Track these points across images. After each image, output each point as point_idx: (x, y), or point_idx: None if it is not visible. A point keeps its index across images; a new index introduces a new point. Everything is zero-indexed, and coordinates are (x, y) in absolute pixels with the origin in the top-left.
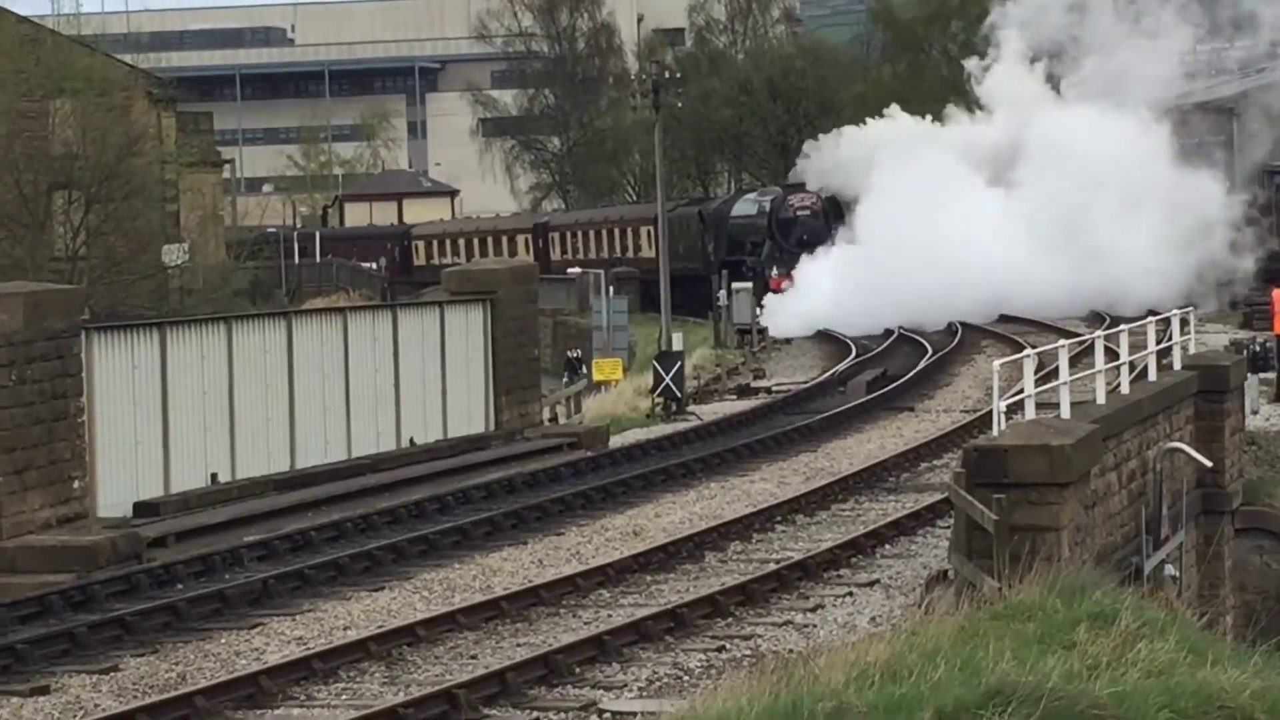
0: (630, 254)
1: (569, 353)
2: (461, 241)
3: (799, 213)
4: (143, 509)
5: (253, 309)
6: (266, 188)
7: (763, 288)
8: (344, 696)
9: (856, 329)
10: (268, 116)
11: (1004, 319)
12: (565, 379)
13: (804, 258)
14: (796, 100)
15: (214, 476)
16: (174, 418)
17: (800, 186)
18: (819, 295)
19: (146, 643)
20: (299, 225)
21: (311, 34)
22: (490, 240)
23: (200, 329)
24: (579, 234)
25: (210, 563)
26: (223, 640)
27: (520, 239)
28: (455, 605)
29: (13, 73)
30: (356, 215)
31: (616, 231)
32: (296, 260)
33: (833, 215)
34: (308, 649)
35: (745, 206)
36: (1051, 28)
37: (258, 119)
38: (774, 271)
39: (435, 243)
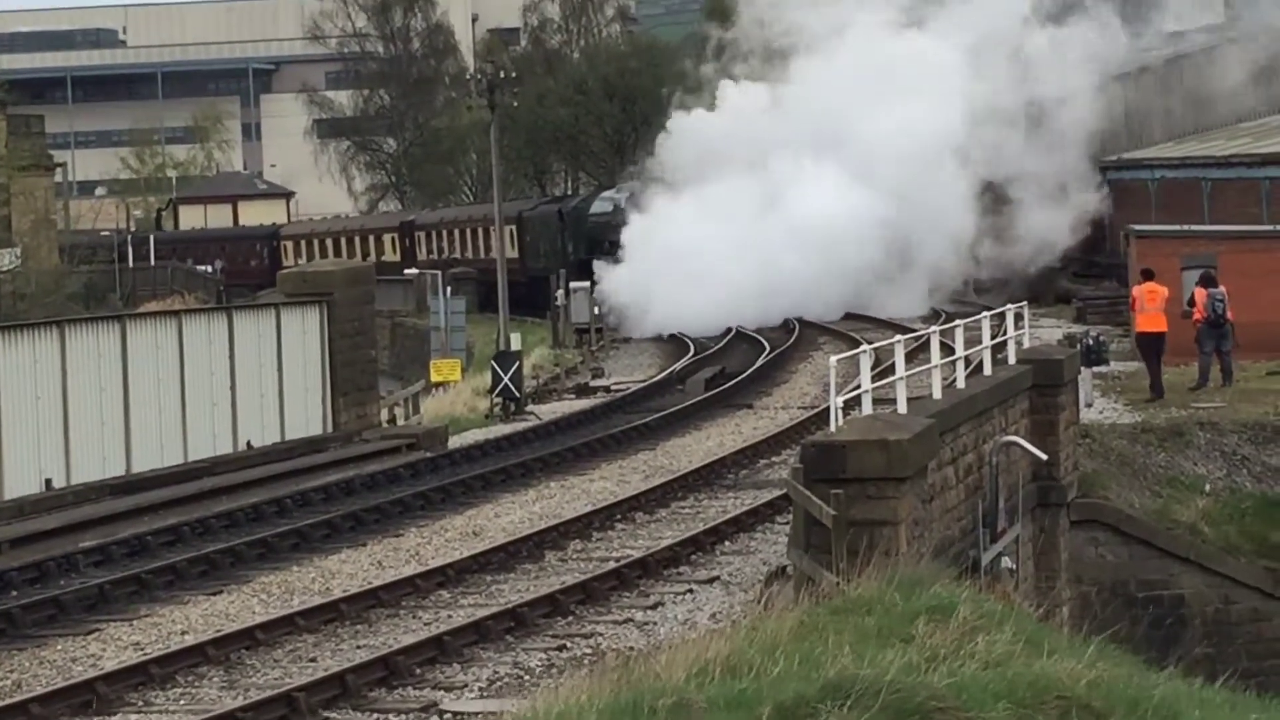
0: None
1: None
2: (330, 241)
3: None
4: None
5: (86, 313)
6: (100, 191)
7: None
8: (182, 702)
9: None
10: (100, 119)
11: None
12: None
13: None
14: (632, 99)
15: (48, 482)
16: (6, 423)
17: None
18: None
19: None
20: (133, 229)
21: (143, 35)
22: (358, 239)
23: (32, 333)
24: (444, 233)
25: (45, 569)
26: (58, 647)
27: (387, 238)
28: (294, 608)
29: None
30: (191, 218)
31: (480, 230)
32: (131, 264)
33: None
34: (145, 654)
35: (602, 204)
36: None
37: (90, 121)
38: None
39: (304, 243)
